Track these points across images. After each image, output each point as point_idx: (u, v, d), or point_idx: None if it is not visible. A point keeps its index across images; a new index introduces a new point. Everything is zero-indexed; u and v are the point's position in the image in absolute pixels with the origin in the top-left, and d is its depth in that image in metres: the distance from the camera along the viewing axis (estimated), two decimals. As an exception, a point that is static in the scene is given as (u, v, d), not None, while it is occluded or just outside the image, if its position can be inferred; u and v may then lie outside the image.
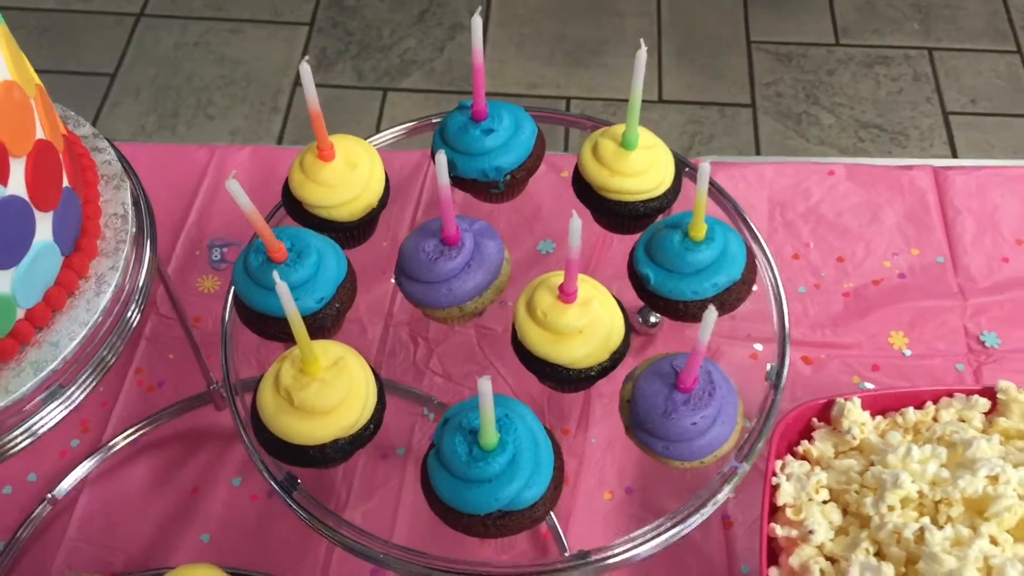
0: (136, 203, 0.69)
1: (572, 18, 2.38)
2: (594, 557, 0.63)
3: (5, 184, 0.54)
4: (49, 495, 0.86)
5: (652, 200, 0.74)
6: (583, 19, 2.38)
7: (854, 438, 0.77)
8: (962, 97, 2.25)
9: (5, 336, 0.59)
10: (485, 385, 0.53)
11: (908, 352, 0.96)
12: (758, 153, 2.14)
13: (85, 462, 0.88)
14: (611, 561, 0.63)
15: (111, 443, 0.89)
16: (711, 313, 0.55)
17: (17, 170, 0.56)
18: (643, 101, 2.23)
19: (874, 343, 0.97)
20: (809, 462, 0.78)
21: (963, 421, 0.78)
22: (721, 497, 0.65)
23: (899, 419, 0.79)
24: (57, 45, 2.26)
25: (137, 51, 2.31)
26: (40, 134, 0.58)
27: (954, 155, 2.14)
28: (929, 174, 1.08)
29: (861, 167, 1.09)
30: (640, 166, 0.73)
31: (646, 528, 0.64)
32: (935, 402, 0.80)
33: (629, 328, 0.68)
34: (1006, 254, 1.02)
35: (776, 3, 2.44)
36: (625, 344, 0.67)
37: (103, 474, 0.89)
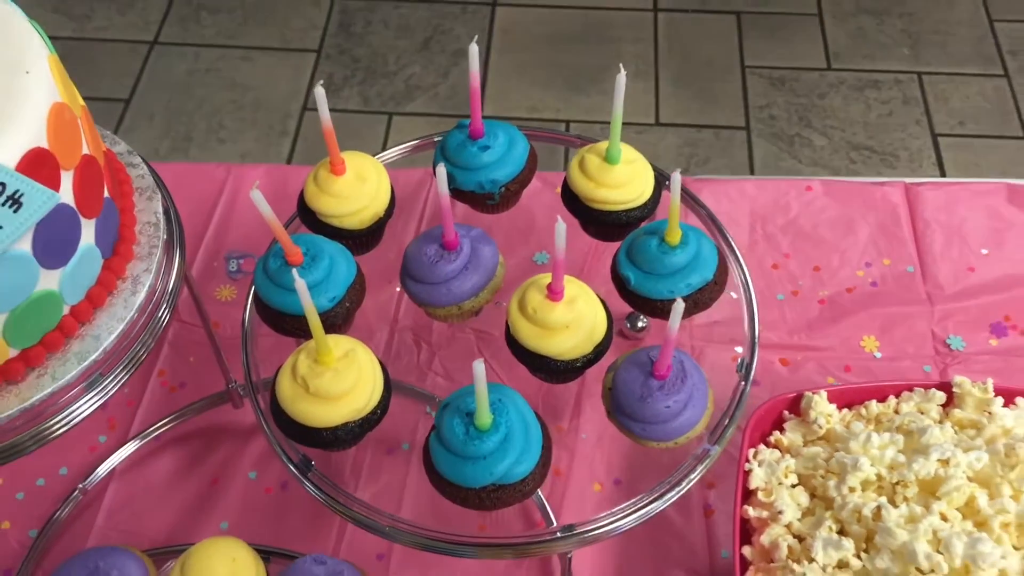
0: (167, 213, 0.76)
1: (571, 46, 2.46)
2: (579, 529, 0.70)
3: (58, 192, 0.61)
4: (80, 485, 0.93)
5: (634, 210, 0.81)
6: (582, 46, 2.45)
7: (820, 428, 0.84)
8: (951, 119, 2.31)
9: (53, 329, 0.67)
10: (479, 368, 0.60)
11: (879, 355, 1.03)
12: (752, 174, 2.20)
13: (113, 456, 0.95)
14: (595, 533, 0.70)
15: (136, 438, 0.96)
16: (679, 304, 0.62)
17: (66, 181, 0.63)
18: (641, 124, 2.31)
19: (847, 346, 1.03)
20: (780, 450, 0.85)
21: (922, 413, 0.85)
22: (695, 476, 0.72)
23: (863, 411, 0.86)
24: (73, 72, 2.32)
25: (151, 77, 2.39)
26: (85, 149, 0.66)
27: (943, 175, 2.20)
28: (900, 189, 1.16)
29: (837, 183, 1.17)
30: (622, 178, 0.80)
31: (626, 504, 0.71)
32: (897, 396, 0.87)
33: (611, 323, 0.75)
34: (972, 264, 1.09)
35: (769, 29, 2.51)
36: (608, 338, 0.74)
37: (129, 467, 0.96)
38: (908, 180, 1.17)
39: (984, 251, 1.10)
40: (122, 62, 2.41)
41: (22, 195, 0.57)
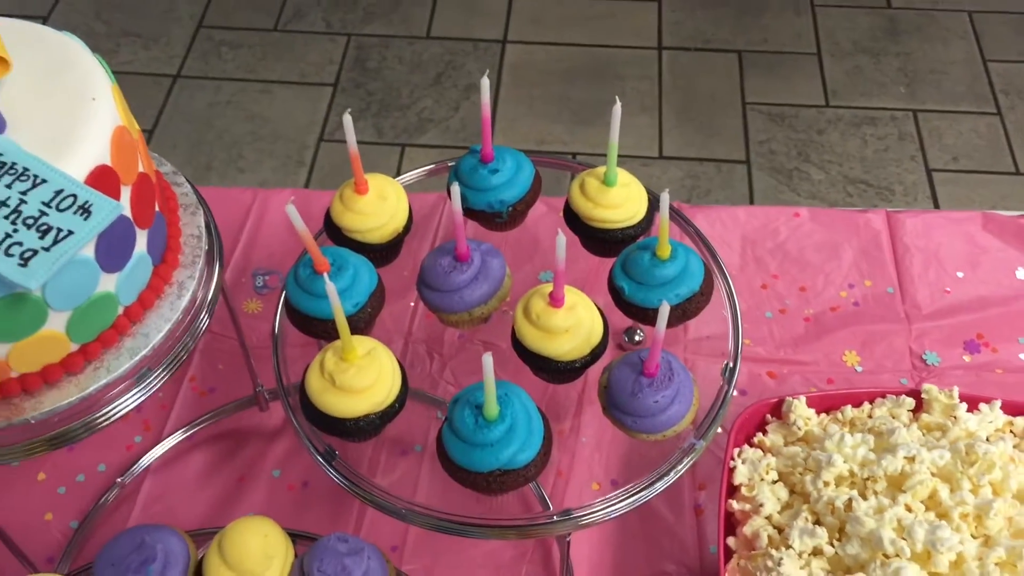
0: (208, 227, 0.85)
1: (578, 81, 2.55)
2: (575, 514, 0.78)
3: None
4: (118, 480, 1.01)
5: (629, 228, 0.90)
6: (588, 82, 2.54)
7: (799, 429, 0.91)
8: (944, 155, 2.39)
9: (109, 327, 0.75)
10: (488, 361, 0.68)
11: (860, 368, 1.10)
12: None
13: (148, 454, 1.03)
14: (589, 517, 0.78)
15: (170, 438, 1.04)
16: (664, 307, 0.70)
17: (125, 195, 0.72)
18: (645, 157, 2.40)
19: (830, 360, 1.11)
20: (762, 450, 0.92)
21: (893, 418, 0.93)
22: (682, 468, 0.80)
23: (839, 415, 0.93)
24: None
25: (174, 109, 2.48)
26: (141, 168, 0.74)
27: (937, 209, 2.28)
28: (882, 216, 1.24)
29: (823, 210, 1.25)
30: (618, 199, 0.88)
31: (618, 491, 0.79)
32: (871, 402, 0.95)
33: (607, 329, 0.83)
34: (948, 286, 1.17)
35: (770, 67, 2.60)
36: (604, 342, 0.82)
37: (163, 464, 1.04)
38: (889, 208, 1.25)
39: (960, 274, 1.18)
40: (147, 95, 2.51)
41: (91, 205, 0.65)
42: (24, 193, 0.64)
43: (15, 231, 0.63)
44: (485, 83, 0.84)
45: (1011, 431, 0.91)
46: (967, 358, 1.11)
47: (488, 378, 0.70)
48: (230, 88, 2.54)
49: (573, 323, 0.79)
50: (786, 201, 2.29)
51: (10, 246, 0.63)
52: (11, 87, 0.70)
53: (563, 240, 0.73)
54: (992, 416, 0.91)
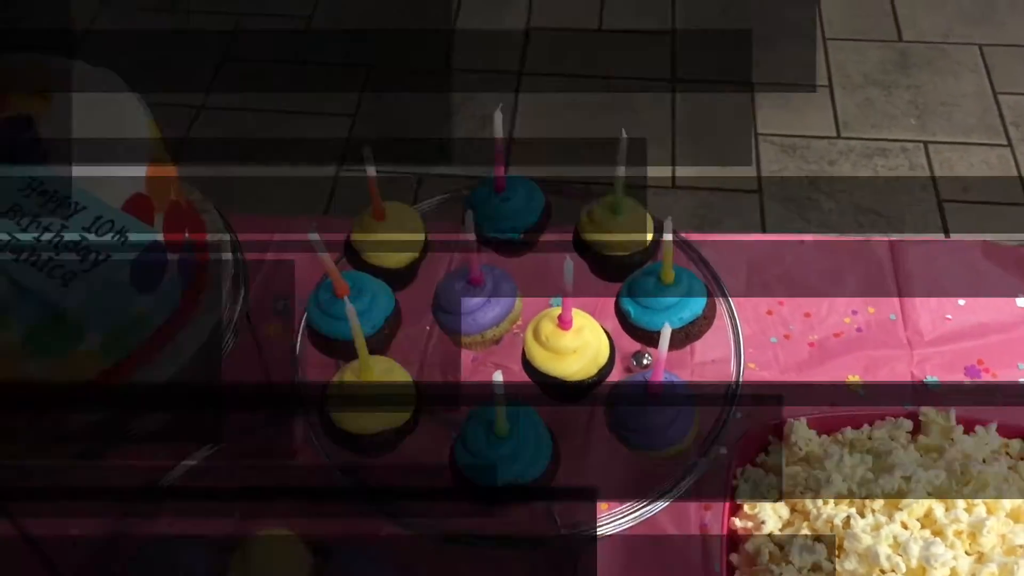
0: (234, 252, 0.89)
1: (593, 113, 2.59)
2: (582, 528, 0.81)
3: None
4: (144, 496, 1.05)
5: (635, 254, 0.93)
6: (603, 114, 2.58)
7: (800, 450, 0.95)
8: (955, 186, 2.41)
9: (142, 345, 0.79)
10: (498, 378, 0.72)
11: (862, 393, 1.13)
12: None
13: (172, 472, 1.07)
14: (596, 531, 0.81)
15: (194, 455, 1.08)
16: (666, 329, 0.74)
17: (158, 220, 0.76)
18: (658, 186, 2.43)
19: (833, 385, 1.14)
20: (764, 470, 0.95)
21: (892, 439, 0.96)
22: (684, 484, 0.83)
23: (839, 437, 0.96)
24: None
25: (197, 140, 2.54)
26: (172, 196, 0.79)
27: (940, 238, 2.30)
28: (885, 245, 1.27)
29: (827, 239, 1.29)
30: (626, 227, 0.92)
31: (624, 506, 0.82)
32: (871, 424, 0.98)
33: (614, 351, 0.87)
34: (949, 313, 1.20)
35: (782, 100, 2.63)
36: (610, 362, 0.86)
37: (187, 481, 1.07)
38: (893, 236, 1.28)
39: (961, 302, 1.21)
40: (171, 124, 2.57)
41: (128, 230, 0.70)
42: (66, 219, 0.69)
43: (57, 254, 0.68)
44: (498, 116, 0.88)
45: (1007, 452, 0.94)
46: (968, 383, 1.14)
47: (498, 395, 0.74)
48: (251, 119, 2.60)
49: (580, 344, 0.83)
50: (797, 230, 2.32)
51: (53, 268, 0.67)
52: (54, 120, 0.75)
53: (571, 265, 0.77)
54: (988, 438, 0.94)
